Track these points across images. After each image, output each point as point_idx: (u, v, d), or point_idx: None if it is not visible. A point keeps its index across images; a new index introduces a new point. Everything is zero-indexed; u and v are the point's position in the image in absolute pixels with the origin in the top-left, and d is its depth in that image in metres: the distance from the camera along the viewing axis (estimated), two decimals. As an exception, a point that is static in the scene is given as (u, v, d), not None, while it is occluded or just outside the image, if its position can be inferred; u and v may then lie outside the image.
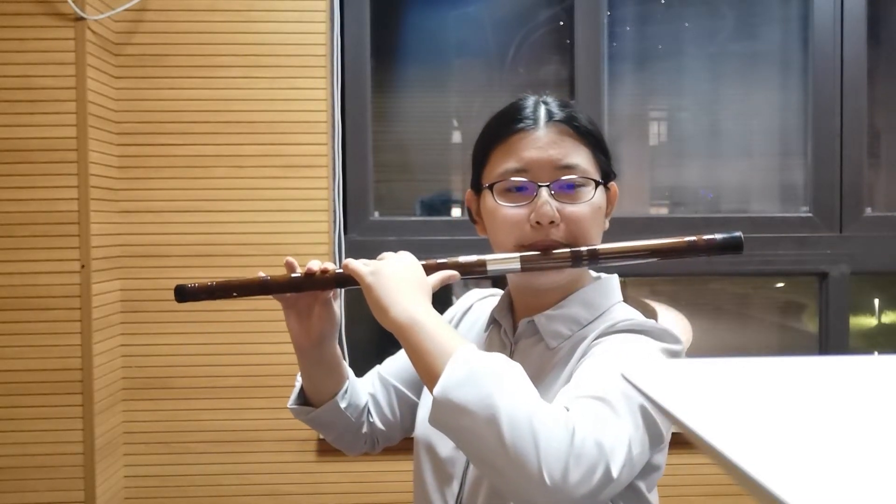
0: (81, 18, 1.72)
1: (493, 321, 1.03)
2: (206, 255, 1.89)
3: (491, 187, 0.93)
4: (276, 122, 1.90)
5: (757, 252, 2.06)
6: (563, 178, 0.90)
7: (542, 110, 0.93)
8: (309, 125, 1.90)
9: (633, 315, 0.92)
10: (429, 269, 0.92)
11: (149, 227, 1.89)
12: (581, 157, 0.92)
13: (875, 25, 2.12)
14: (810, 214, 2.10)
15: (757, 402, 0.34)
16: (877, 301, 2.44)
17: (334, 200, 1.95)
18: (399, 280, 0.86)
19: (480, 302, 1.14)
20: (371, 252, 2.25)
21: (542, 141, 0.91)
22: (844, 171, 2.09)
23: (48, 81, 1.72)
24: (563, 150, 0.91)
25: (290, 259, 0.98)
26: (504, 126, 0.94)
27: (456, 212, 2.18)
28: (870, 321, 2.44)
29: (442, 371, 0.74)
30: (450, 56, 2.21)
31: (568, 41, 2.11)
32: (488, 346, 1.02)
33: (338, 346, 1.05)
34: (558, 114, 0.93)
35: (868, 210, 2.11)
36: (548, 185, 0.90)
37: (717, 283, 2.30)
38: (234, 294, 0.97)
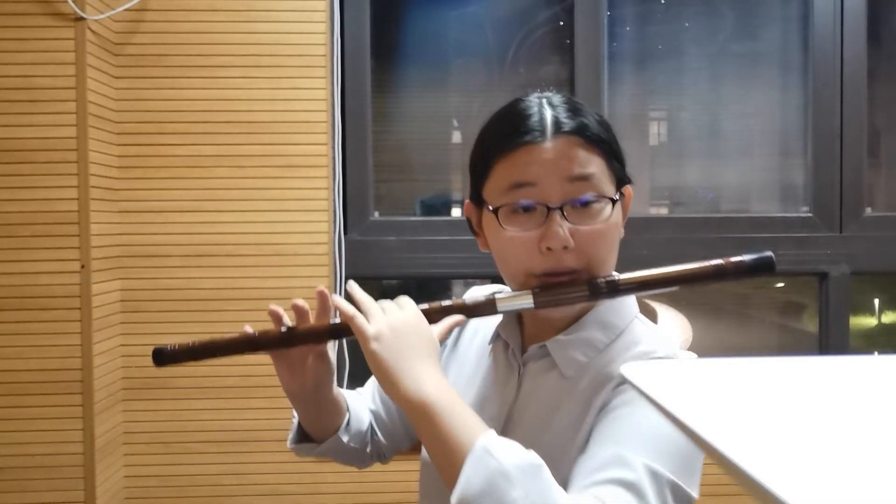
0: (81, 18, 1.72)
1: (499, 335, 0.96)
2: (206, 255, 1.89)
3: (496, 212, 0.84)
4: (276, 122, 1.90)
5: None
6: (576, 196, 0.82)
7: (549, 118, 0.84)
8: (309, 125, 1.90)
9: (653, 343, 0.86)
10: (432, 314, 0.85)
11: (149, 227, 1.89)
12: (595, 167, 0.83)
13: (875, 25, 2.12)
14: (810, 214, 2.10)
15: (757, 402, 0.34)
16: (877, 301, 2.44)
17: (334, 200, 1.95)
18: (405, 346, 0.79)
19: None
20: (371, 252, 2.24)
21: (551, 154, 0.82)
22: (844, 171, 2.09)
23: (48, 81, 1.72)
24: (575, 162, 0.82)
25: (275, 308, 0.90)
26: (507, 136, 0.84)
27: (456, 212, 2.18)
28: (870, 321, 2.44)
29: (458, 469, 0.69)
30: (450, 56, 2.21)
31: (568, 41, 2.11)
32: (493, 363, 0.95)
33: (336, 386, 0.98)
34: (567, 123, 0.83)
35: (868, 210, 2.11)
36: (559, 208, 0.81)
37: (717, 283, 2.29)
38: (220, 354, 0.90)
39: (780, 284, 2.32)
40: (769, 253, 0.82)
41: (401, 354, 0.78)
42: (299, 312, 0.90)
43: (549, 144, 0.82)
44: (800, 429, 0.29)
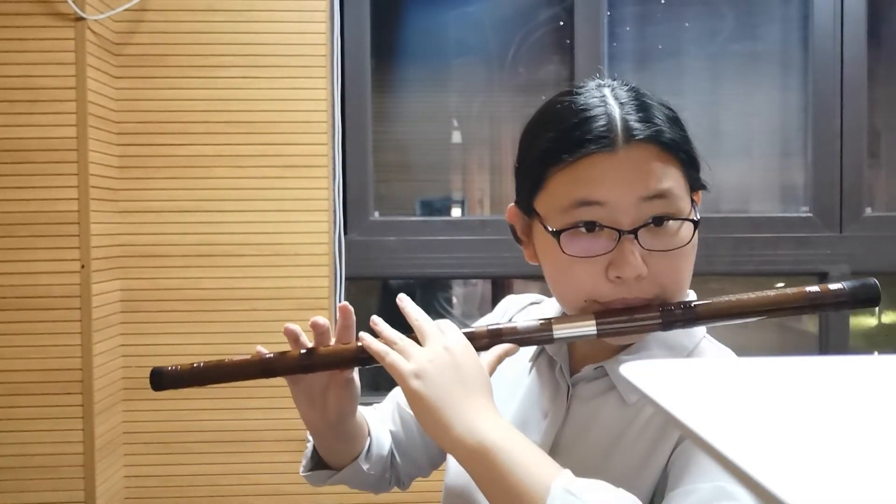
0: (81, 18, 1.72)
1: (542, 350, 0.86)
2: (206, 255, 1.89)
3: (557, 235, 0.72)
4: (276, 122, 1.90)
5: (757, 252, 2.06)
6: (652, 217, 0.71)
7: (619, 121, 0.71)
8: (309, 125, 1.90)
9: None
10: (477, 339, 0.75)
11: (149, 227, 1.89)
12: (671, 181, 0.72)
13: (875, 25, 2.12)
14: (810, 214, 2.10)
15: (757, 402, 0.34)
16: (877, 301, 2.43)
17: (334, 200, 1.94)
18: (452, 382, 0.68)
19: (521, 315, 0.94)
20: (371, 252, 2.23)
21: (622, 168, 0.70)
22: (844, 171, 2.09)
23: (48, 81, 1.72)
24: (651, 178, 0.70)
25: (291, 327, 0.79)
26: (569, 143, 0.71)
27: (456, 212, 2.18)
28: (870, 321, 2.44)
29: None
30: (450, 56, 2.21)
31: (568, 41, 2.11)
32: (536, 382, 0.85)
33: (359, 412, 0.88)
34: (640, 129, 0.71)
35: (868, 210, 2.11)
36: (633, 233, 0.70)
37: (717, 283, 2.29)
38: (229, 379, 0.81)
39: (780, 284, 2.32)
40: (873, 281, 0.70)
41: (448, 391, 0.68)
42: (319, 331, 0.79)
43: (619, 155, 0.70)
44: (800, 429, 0.29)
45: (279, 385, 0.88)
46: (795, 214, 2.12)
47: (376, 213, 2.09)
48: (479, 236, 2.02)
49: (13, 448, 1.74)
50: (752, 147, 2.26)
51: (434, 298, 2.28)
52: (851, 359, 0.38)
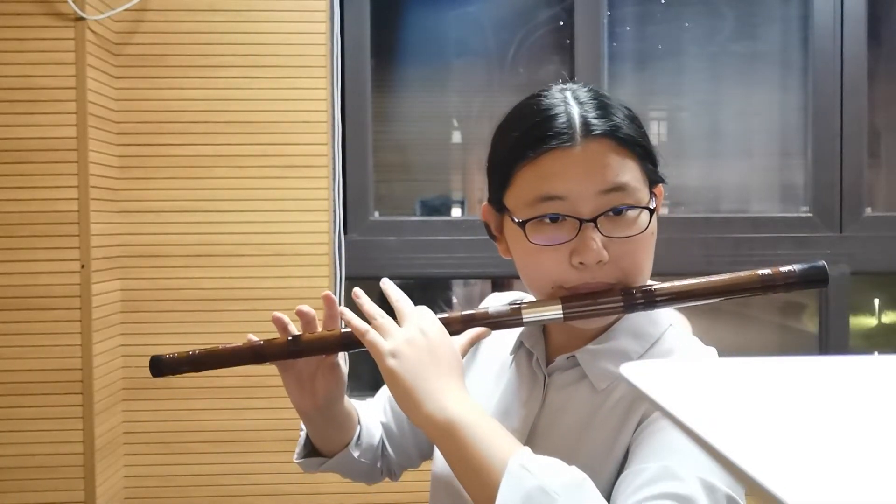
0: (81, 18, 1.72)
1: (521, 344, 0.90)
2: (206, 255, 1.89)
3: (523, 225, 0.77)
4: (276, 122, 1.90)
5: (757, 252, 2.06)
6: (610, 208, 0.75)
7: (577, 119, 0.76)
8: (309, 125, 1.90)
9: (690, 354, 0.81)
10: (452, 324, 0.80)
11: (149, 227, 1.89)
12: (629, 175, 0.76)
13: (875, 25, 2.12)
14: (810, 214, 2.10)
15: (757, 402, 0.34)
16: (877, 301, 2.44)
17: (334, 200, 1.95)
18: (426, 363, 0.73)
19: None
20: (371, 252, 2.23)
21: (582, 162, 0.75)
22: (844, 171, 2.09)
23: (48, 81, 1.72)
24: (608, 171, 0.75)
25: (279, 315, 0.85)
26: (531, 139, 0.77)
27: (456, 212, 2.18)
28: (870, 321, 2.44)
29: (493, 491, 0.65)
30: (450, 56, 2.21)
31: (568, 41, 2.11)
32: (516, 374, 0.89)
33: (347, 399, 0.93)
34: (598, 124, 0.75)
35: (868, 210, 2.11)
36: (592, 221, 0.75)
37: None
38: (222, 365, 0.86)
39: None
40: (821, 262, 0.75)
41: (421, 371, 0.73)
42: (305, 319, 0.84)
43: (578, 150, 0.75)
44: (800, 429, 0.29)
45: (278, 385, 0.90)
46: (795, 214, 2.12)
47: (376, 213, 2.09)
48: (479, 236, 2.02)
49: (13, 448, 1.74)
50: (752, 147, 2.26)
51: (434, 298, 2.28)
52: (851, 359, 0.38)
